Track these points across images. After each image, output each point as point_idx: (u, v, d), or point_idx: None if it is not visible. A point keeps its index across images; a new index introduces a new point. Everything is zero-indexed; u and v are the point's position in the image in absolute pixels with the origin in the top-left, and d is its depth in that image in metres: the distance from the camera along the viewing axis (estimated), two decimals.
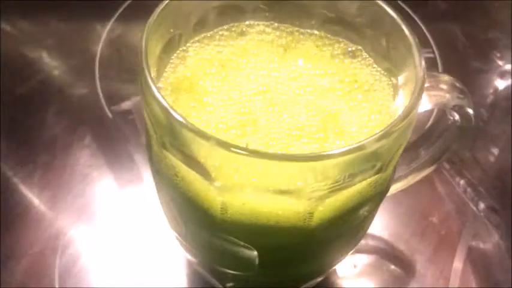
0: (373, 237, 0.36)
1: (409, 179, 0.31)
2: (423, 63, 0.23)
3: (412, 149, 0.31)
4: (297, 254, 0.26)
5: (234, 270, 0.28)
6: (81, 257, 0.34)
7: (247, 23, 0.28)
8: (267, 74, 0.27)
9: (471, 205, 0.37)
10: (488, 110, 0.42)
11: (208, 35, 0.28)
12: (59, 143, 0.39)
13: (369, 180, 0.23)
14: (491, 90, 0.44)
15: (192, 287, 0.33)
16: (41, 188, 0.37)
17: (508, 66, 0.46)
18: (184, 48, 0.27)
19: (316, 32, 0.28)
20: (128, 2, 0.48)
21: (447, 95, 0.26)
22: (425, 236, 0.36)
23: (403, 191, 0.32)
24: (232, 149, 0.20)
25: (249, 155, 0.20)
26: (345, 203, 0.23)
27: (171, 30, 0.26)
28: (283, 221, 0.23)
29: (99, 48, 0.45)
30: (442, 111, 0.29)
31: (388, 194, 0.29)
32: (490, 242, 0.36)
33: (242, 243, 0.24)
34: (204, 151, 0.21)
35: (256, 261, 0.25)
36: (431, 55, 0.45)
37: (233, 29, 0.28)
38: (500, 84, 0.44)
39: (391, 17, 0.25)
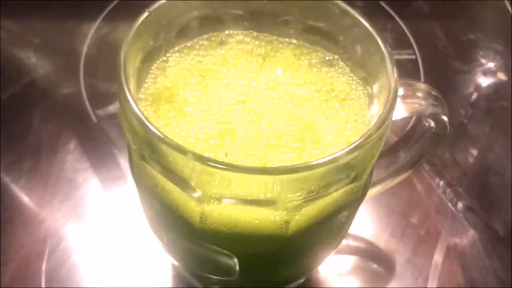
0: (354, 237, 0.37)
1: (386, 183, 0.32)
2: (396, 73, 0.24)
3: (390, 152, 0.32)
4: (277, 260, 0.26)
5: (215, 276, 0.29)
6: (67, 261, 0.34)
7: (226, 32, 0.29)
8: (247, 83, 0.27)
9: (450, 205, 0.38)
10: (468, 111, 0.43)
11: (188, 44, 0.28)
12: (44, 147, 0.39)
13: (344, 189, 0.23)
14: (471, 91, 0.45)
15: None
16: (27, 193, 0.37)
17: (488, 67, 0.46)
18: (165, 58, 0.27)
19: (294, 41, 0.29)
20: (115, 2, 0.48)
21: (423, 103, 0.26)
22: (404, 236, 0.37)
23: (383, 192, 0.33)
24: (209, 162, 0.20)
25: (225, 169, 0.20)
26: (321, 212, 0.24)
27: (151, 43, 0.26)
28: (261, 230, 0.23)
29: (84, 49, 0.45)
30: (419, 117, 0.29)
31: (367, 197, 0.30)
32: (468, 242, 0.37)
33: (222, 250, 0.25)
34: (181, 164, 0.21)
35: (237, 267, 0.26)
36: (412, 56, 0.46)
37: (213, 38, 0.29)
38: (481, 85, 0.45)
39: (365, 27, 0.25)
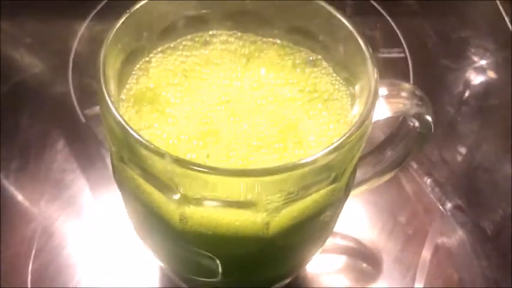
0: (342, 236, 0.37)
1: (373, 182, 0.32)
2: (376, 74, 0.24)
3: (377, 151, 0.32)
4: (259, 261, 0.26)
5: (199, 277, 0.29)
6: (54, 261, 0.34)
7: (210, 32, 0.29)
8: (230, 83, 0.27)
9: (438, 204, 0.38)
10: (458, 109, 0.43)
11: (172, 45, 0.28)
12: (33, 147, 0.39)
13: (324, 190, 0.23)
14: (461, 89, 0.45)
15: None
16: (14, 192, 0.37)
17: (478, 65, 0.46)
18: (147, 59, 0.27)
19: (278, 41, 0.29)
20: (105, 2, 0.48)
21: (407, 103, 0.26)
22: (393, 235, 0.37)
23: (371, 191, 0.33)
24: (188, 165, 0.20)
25: (203, 172, 0.20)
26: (302, 213, 0.24)
27: (133, 43, 0.26)
28: (242, 231, 0.23)
29: (73, 48, 0.45)
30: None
31: (354, 196, 0.30)
32: (456, 241, 0.37)
33: (204, 252, 0.25)
34: (160, 167, 0.21)
35: (219, 269, 0.26)
36: (402, 54, 0.45)
37: (196, 39, 0.28)
38: (471, 83, 0.45)
39: (347, 28, 0.25)
